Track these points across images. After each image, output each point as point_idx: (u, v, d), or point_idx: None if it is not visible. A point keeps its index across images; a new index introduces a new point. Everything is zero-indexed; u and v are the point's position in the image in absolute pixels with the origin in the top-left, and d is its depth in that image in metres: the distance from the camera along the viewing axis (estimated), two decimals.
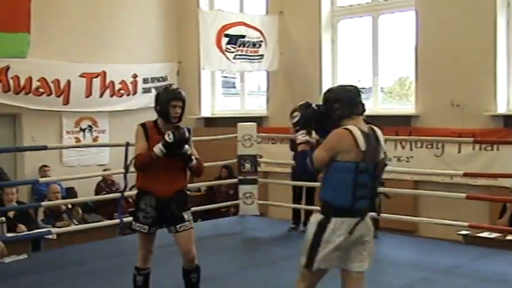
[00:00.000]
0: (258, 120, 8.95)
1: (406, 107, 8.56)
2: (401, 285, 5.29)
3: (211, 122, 10.64)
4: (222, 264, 5.75)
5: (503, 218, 6.73)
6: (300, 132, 3.57)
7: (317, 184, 7.39)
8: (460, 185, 7.04)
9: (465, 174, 6.51)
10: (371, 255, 3.51)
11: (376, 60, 8.70)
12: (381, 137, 3.45)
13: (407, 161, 7.94)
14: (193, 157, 4.22)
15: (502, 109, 7.36)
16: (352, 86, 3.61)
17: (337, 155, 3.35)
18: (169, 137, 4.01)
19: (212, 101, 10.88)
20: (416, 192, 7.54)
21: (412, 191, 7.47)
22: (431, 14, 7.83)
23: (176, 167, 4.22)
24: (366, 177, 3.37)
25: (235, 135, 7.61)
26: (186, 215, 4.23)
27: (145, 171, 4.17)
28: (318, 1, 9.01)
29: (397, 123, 8.04)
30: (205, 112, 10.70)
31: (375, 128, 3.46)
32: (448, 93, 7.62)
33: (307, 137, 3.55)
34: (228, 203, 8.31)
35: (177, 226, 4.19)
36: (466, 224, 6.33)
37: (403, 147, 8.04)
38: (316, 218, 3.46)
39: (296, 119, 3.60)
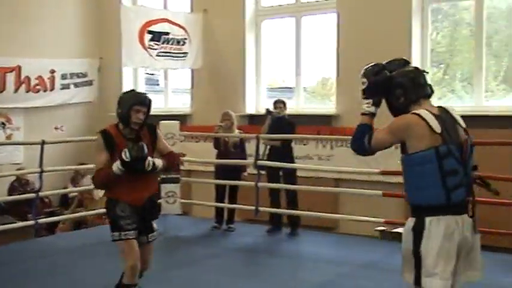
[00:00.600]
0: (182, 118, 8.90)
1: (328, 106, 8.74)
2: (322, 281, 5.41)
3: None
4: None
5: None
6: (366, 102, 3.08)
7: (241, 183, 7.52)
8: (377, 182, 7.26)
9: (382, 172, 6.73)
10: (482, 263, 3.01)
11: (299, 61, 8.83)
12: (457, 116, 3.04)
13: (328, 160, 8.11)
14: (157, 165, 3.93)
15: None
16: (412, 66, 3.19)
17: (406, 144, 2.92)
18: (125, 155, 3.74)
19: None
20: (336, 190, 7.72)
21: (332, 189, 7.64)
22: (352, 16, 8.05)
23: (146, 173, 3.93)
24: (453, 161, 2.88)
25: None
26: (155, 224, 4.08)
27: (106, 187, 3.96)
28: (242, 1, 9.05)
29: (319, 123, 8.21)
30: None
31: (447, 108, 3.06)
32: None
33: (372, 108, 3.07)
34: None
35: (149, 236, 4.02)
36: (382, 220, 6.56)
37: (323, 146, 8.20)
38: (408, 224, 2.95)
39: (363, 86, 3.09)
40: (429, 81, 3.08)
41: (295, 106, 8.68)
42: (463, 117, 7.88)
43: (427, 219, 2.84)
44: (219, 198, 7.66)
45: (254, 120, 8.78)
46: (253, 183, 7.22)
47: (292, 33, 8.88)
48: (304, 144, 8.22)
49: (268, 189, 7.38)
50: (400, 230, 6.85)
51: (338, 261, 6.04)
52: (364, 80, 3.09)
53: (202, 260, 6.13)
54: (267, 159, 7.28)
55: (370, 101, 3.06)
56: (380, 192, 6.63)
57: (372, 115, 3.07)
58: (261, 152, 7.25)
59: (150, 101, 3.97)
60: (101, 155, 3.86)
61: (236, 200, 7.60)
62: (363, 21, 7.92)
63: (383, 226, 6.95)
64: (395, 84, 3.03)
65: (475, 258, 2.97)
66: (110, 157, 3.86)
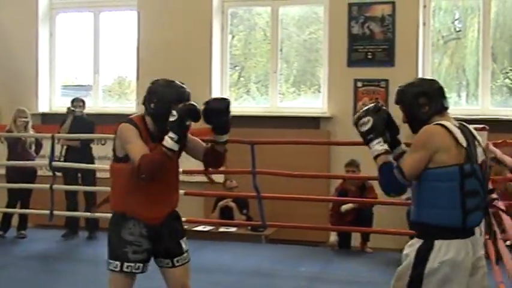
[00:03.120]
0: None
1: (127, 106, 8.60)
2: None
3: None
4: None
5: (215, 212, 7.25)
6: (377, 141, 2.81)
7: (35, 186, 7.06)
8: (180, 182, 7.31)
9: (184, 172, 6.75)
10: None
11: (98, 58, 8.57)
12: (475, 133, 2.87)
13: None
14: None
15: None
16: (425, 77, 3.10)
17: (432, 159, 2.70)
18: (172, 114, 2.95)
19: None
20: None
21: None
22: (153, 16, 8.00)
23: (169, 179, 3.18)
24: (475, 181, 2.72)
25: None
26: (184, 244, 3.26)
27: (155, 177, 3.03)
28: None
29: (117, 122, 8.01)
30: None
31: (465, 123, 2.88)
32: None
33: (385, 146, 2.82)
34: None
35: (175, 259, 3.20)
36: (183, 219, 6.61)
37: None
38: (412, 244, 2.74)
39: (368, 125, 2.82)
40: None
41: (93, 105, 8.41)
42: (259, 118, 8.29)
43: (437, 243, 2.66)
44: (11, 203, 7.15)
45: (48, 119, 8.32)
46: (47, 185, 6.83)
47: (91, 29, 8.58)
48: (103, 144, 7.99)
49: (65, 191, 7.06)
50: (200, 228, 7.07)
51: None
52: (367, 118, 2.85)
53: None
54: (64, 160, 6.97)
55: (381, 139, 2.82)
56: (182, 191, 6.67)
57: (387, 152, 2.83)
58: (57, 152, 6.91)
59: (190, 95, 3.19)
60: (137, 141, 3.04)
61: (29, 204, 7.15)
62: (164, 22, 7.92)
63: (185, 224, 7.01)
64: (418, 93, 2.84)
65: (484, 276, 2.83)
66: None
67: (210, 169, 3.49)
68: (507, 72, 7.53)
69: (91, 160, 7.15)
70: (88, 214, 6.98)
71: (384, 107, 2.91)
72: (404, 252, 2.78)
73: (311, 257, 6.26)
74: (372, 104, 2.94)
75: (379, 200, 6.37)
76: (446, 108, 2.88)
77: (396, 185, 2.76)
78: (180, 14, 7.84)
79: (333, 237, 6.74)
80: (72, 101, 7.26)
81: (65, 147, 7.06)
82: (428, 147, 2.71)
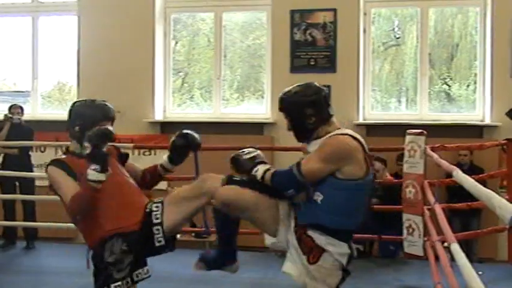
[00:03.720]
0: None
1: (67, 112, 8.40)
2: None
3: None
4: None
5: None
6: (263, 164, 2.92)
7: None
8: None
9: None
10: None
11: (36, 64, 8.37)
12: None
13: None
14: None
15: (159, 116, 7.81)
16: (310, 82, 2.94)
17: (340, 170, 2.71)
18: (85, 146, 2.86)
19: None
20: None
21: None
22: (94, 21, 7.87)
23: (127, 183, 3.09)
24: (372, 192, 2.91)
25: None
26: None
27: (86, 211, 2.91)
28: None
29: (57, 129, 7.83)
30: None
31: None
32: (109, 99, 7.61)
33: (268, 166, 2.93)
34: None
35: (144, 270, 3.09)
36: None
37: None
38: (334, 251, 2.83)
39: (254, 153, 2.97)
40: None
41: (32, 111, 8.20)
42: (203, 124, 8.26)
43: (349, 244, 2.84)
44: (9, 215, 6.90)
45: None
46: None
47: (29, 34, 8.37)
48: (42, 152, 7.80)
49: (2, 201, 6.85)
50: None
51: (79, 272, 5.84)
52: (250, 149, 3.01)
53: None
54: (2, 168, 6.78)
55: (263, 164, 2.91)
56: None
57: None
58: None
59: (114, 112, 3.19)
60: (67, 182, 2.95)
61: (35, 215, 6.91)
62: (105, 26, 7.80)
63: None
64: (304, 103, 2.81)
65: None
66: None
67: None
68: (445, 79, 7.77)
69: (30, 168, 6.97)
70: (27, 224, 6.80)
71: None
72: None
73: (254, 262, 6.26)
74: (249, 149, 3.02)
75: None
76: (331, 116, 2.88)
77: (291, 180, 2.77)
78: (122, 19, 7.74)
79: None
80: (10, 108, 7.07)
81: (2, 155, 6.86)
82: (338, 162, 2.72)
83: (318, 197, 2.80)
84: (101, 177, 2.85)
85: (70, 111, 3.17)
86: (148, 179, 3.29)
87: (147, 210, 3.02)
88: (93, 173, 2.83)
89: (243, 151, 3.01)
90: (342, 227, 2.81)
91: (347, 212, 2.78)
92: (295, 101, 2.83)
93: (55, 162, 3.06)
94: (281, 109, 2.92)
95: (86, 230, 3.07)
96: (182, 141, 3.19)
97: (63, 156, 3.13)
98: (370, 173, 2.82)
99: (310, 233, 2.84)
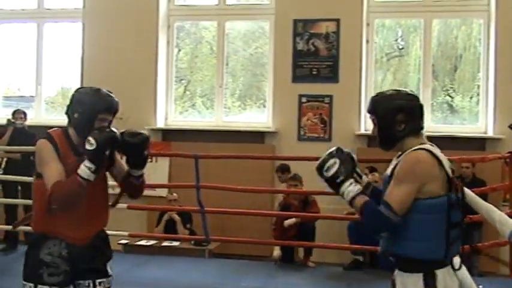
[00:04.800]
0: None
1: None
2: None
3: None
4: None
5: (159, 226, 7.16)
6: (348, 183, 2.59)
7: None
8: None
9: None
10: None
11: (41, 69, 8.40)
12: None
13: None
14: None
15: (160, 123, 7.82)
16: (408, 90, 2.75)
17: (420, 189, 2.47)
18: (89, 142, 2.73)
19: None
20: None
21: None
22: (98, 28, 7.90)
23: (96, 196, 2.94)
24: (458, 212, 2.55)
25: None
26: (109, 268, 3.02)
27: (68, 207, 2.78)
28: None
29: None
30: None
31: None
32: None
33: (358, 185, 2.62)
34: None
35: (97, 281, 2.94)
36: (126, 233, 6.53)
37: None
38: (405, 282, 2.56)
39: (335, 167, 2.60)
40: None
41: (35, 117, 8.22)
42: (204, 131, 8.24)
43: (438, 273, 2.51)
44: (10, 219, 6.91)
45: None
46: None
47: (34, 40, 8.40)
48: None
49: (4, 205, 6.85)
50: (143, 242, 6.97)
51: None
52: (332, 161, 2.62)
53: None
54: (4, 173, 6.78)
55: (352, 180, 2.62)
56: (125, 205, 6.58)
57: (362, 192, 2.60)
58: None
59: (118, 105, 2.97)
60: (53, 164, 2.80)
61: None
62: (109, 34, 7.84)
63: (127, 239, 6.93)
64: (397, 108, 2.58)
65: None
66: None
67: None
68: (448, 90, 7.76)
69: (32, 173, 6.95)
70: (28, 228, 6.79)
71: (347, 150, 2.71)
72: None
73: (254, 271, 6.24)
74: (334, 148, 2.71)
75: (321, 214, 6.45)
76: (422, 128, 2.67)
77: (386, 223, 2.49)
78: (126, 27, 7.78)
79: (277, 251, 6.75)
80: (13, 113, 7.10)
81: (4, 159, 6.87)
82: (417, 179, 2.48)
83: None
84: (91, 177, 2.75)
85: (72, 96, 2.98)
86: (126, 185, 3.06)
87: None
88: (85, 170, 2.72)
89: (324, 161, 2.67)
90: (415, 255, 2.53)
91: (416, 236, 2.51)
92: (389, 103, 2.62)
93: (48, 137, 2.91)
94: (371, 111, 2.69)
95: (38, 213, 2.90)
96: (125, 139, 2.87)
97: (57, 133, 2.95)
98: (449, 194, 2.54)
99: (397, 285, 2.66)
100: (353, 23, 7.28)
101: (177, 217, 7.11)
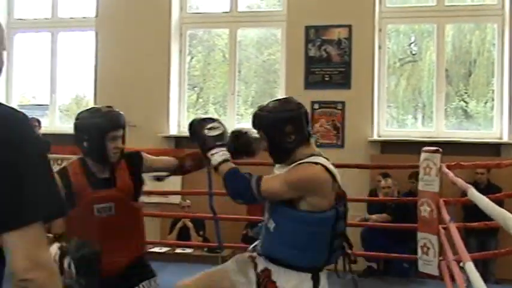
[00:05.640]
0: None
1: None
2: None
3: None
4: None
5: (172, 233, 7.17)
6: (222, 150, 2.63)
7: None
8: None
9: None
10: None
11: (55, 78, 8.47)
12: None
13: None
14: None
15: (173, 131, 7.83)
16: (289, 97, 2.76)
17: (303, 200, 2.48)
18: (213, 127, 2.75)
19: None
20: None
21: None
22: (111, 37, 7.95)
23: (125, 224, 2.76)
24: (343, 222, 2.60)
25: None
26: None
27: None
28: None
29: (74, 142, 7.91)
30: None
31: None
32: (125, 113, 7.72)
33: (228, 154, 2.65)
34: None
35: None
36: None
37: None
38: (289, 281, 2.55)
39: (217, 132, 2.65)
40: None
41: (50, 125, 8.28)
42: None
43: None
44: None
45: None
46: None
47: (48, 49, 8.48)
48: (59, 165, 7.81)
49: None
50: (157, 249, 6.97)
51: None
52: (217, 124, 2.69)
53: None
54: None
55: (225, 148, 2.66)
56: None
57: (228, 160, 2.64)
58: None
59: (125, 119, 2.85)
60: None
61: None
62: (122, 42, 7.88)
63: None
64: (284, 119, 2.54)
65: None
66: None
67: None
68: (462, 95, 7.70)
69: None
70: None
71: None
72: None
73: None
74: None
75: None
76: (310, 136, 2.64)
77: (246, 192, 2.54)
78: (139, 35, 7.81)
79: None
80: None
81: None
82: (298, 190, 2.48)
83: (271, 224, 2.60)
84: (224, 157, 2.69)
85: (75, 125, 2.88)
86: (190, 164, 3.02)
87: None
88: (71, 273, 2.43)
89: (207, 121, 2.72)
90: (297, 263, 2.54)
91: (302, 246, 2.51)
92: (274, 116, 2.56)
93: (60, 171, 2.80)
94: (256, 126, 2.65)
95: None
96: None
97: (74, 165, 2.84)
98: (337, 207, 2.55)
99: (274, 277, 2.60)
100: (365, 29, 7.25)
101: (190, 224, 7.11)
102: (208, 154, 2.65)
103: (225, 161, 2.63)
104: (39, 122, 7.20)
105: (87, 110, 2.93)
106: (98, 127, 2.77)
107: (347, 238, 2.73)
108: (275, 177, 2.58)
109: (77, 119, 2.91)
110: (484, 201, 2.79)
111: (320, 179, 2.49)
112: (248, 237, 6.72)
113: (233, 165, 2.63)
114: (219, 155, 2.63)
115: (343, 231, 2.60)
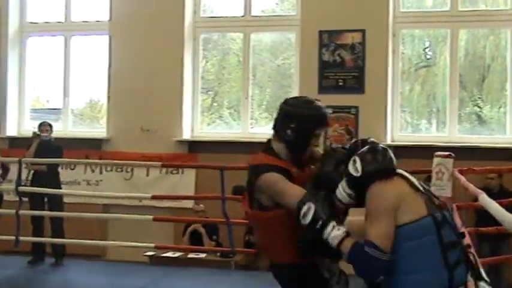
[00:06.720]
0: None
1: (97, 130, 8.52)
2: None
3: None
4: None
5: (184, 237, 7.17)
6: (330, 227, 2.32)
7: (3, 211, 6.86)
8: (148, 207, 7.22)
9: (153, 197, 6.71)
10: None
11: (68, 82, 8.51)
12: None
13: (97, 185, 7.88)
14: None
15: (187, 135, 7.85)
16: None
17: (395, 217, 2.23)
18: (355, 167, 2.46)
19: None
20: (104, 216, 7.50)
21: (100, 215, 7.40)
22: (125, 40, 7.98)
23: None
24: (449, 230, 2.29)
25: None
26: None
27: None
28: (5, 15, 8.43)
29: (87, 146, 7.96)
30: None
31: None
32: (138, 118, 7.82)
33: (343, 228, 2.35)
34: None
35: None
36: (152, 245, 6.56)
37: (93, 171, 7.95)
38: None
39: (310, 216, 2.35)
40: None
41: (63, 129, 8.31)
42: (231, 143, 8.22)
43: None
44: (37, 231, 6.99)
45: (15, 143, 8.20)
46: (13, 211, 6.68)
47: (61, 53, 8.53)
48: (72, 169, 7.90)
49: (31, 217, 6.92)
50: (170, 254, 6.98)
51: None
52: (306, 208, 2.36)
53: None
54: (31, 185, 6.84)
55: (333, 222, 2.34)
56: (151, 217, 6.61)
57: (348, 234, 2.32)
58: (23, 177, 6.78)
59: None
60: (292, 187, 2.51)
61: (63, 232, 6.98)
62: (136, 46, 7.91)
63: (153, 251, 6.95)
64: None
65: None
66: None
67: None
68: (476, 100, 7.66)
69: (58, 185, 7.03)
70: (55, 240, 6.86)
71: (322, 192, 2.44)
72: None
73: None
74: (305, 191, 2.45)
75: None
76: None
77: (377, 265, 2.21)
78: (152, 39, 7.83)
79: None
80: (39, 125, 7.17)
81: (31, 171, 6.94)
82: (393, 211, 2.26)
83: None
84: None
85: (282, 109, 2.72)
86: None
87: None
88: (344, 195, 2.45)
89: (298, 211, 2.41)
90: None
91: (410, 268, 2.25)
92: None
93: (273, 169, 2.59)
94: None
95: (282, 244, 2.67)
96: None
97: (272, 160, 2.64)
98: (436, 207, 2.34)
99: None
100: (379, 34, 7.24)
101: (201, 229, 7.11)
102: (324, 239, 2.35)
103: (342, 239, 2.32)
104: (50, 126, 7.21)
105: (299, 98, 2.82)
106: (307, 121, 2.63)
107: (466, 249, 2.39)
108: (369, 223, 2.29)
109: (286, 103, 2.76)
110: (494, 207, 2.78)
111: (397, 191, 2.32)
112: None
113: (352, 241, 2.30)
114: (332, 236, 2.33)
115: (454, 240, 2.29)
